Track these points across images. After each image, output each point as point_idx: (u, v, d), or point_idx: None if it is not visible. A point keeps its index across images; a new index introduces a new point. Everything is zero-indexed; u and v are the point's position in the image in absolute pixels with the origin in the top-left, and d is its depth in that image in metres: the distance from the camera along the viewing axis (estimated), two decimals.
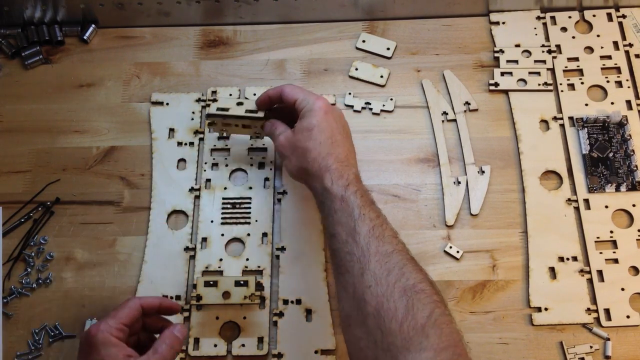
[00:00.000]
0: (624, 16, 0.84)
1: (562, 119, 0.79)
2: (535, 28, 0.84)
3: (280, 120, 0.69)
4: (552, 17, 0.84)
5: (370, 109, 0.81)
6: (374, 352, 0.52)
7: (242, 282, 0.67)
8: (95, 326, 0.56)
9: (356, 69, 0.83)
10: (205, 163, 0.78)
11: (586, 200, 0.74)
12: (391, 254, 0.56)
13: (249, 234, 0.74)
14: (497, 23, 0.84)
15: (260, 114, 0.71)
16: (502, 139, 0.78)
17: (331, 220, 0.60)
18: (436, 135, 0.79)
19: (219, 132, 0.76)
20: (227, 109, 0.71)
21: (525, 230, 0.73)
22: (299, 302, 0.71)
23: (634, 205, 0.74)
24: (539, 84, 0.80)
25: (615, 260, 0.71)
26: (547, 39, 0.83)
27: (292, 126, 0.67)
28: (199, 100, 0.81)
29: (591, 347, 0.68)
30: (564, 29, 0.84)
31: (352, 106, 0.81)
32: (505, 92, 0.81)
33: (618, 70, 0.81)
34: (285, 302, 0.71)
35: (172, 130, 0.80)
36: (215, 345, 0.69)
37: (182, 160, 0.78)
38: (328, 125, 0.64)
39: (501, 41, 0.83)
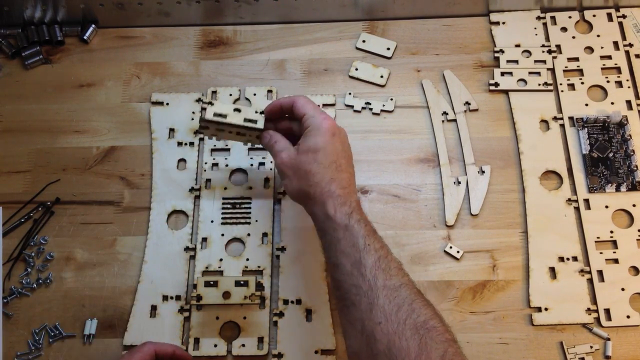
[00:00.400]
0: (624, 16, 0.84)
1: (562, 119, 0.79)
2: (535, 28, 0.84)
3: (279, 133, 0.67)
4: (552, 17, 0.84)
5: (370, 109, 0.81)
6: None
7: (242, 282, 0.67)
8: None
9: (356, 69, 0.83)
10: (206, 163, 0.78)
11: (586, 200, 0.74)
12: (399, 288, 0.54)
13: (249, 234, 0.74)
14: (497, 23, 0.84)
15: (260, 125, 0.67)
16: (502, 139, 0.78)
17: (334, 250, 0.58)
18: (436, 135, 0.79)
19: (210, 136, 0.72)
20: (224, 115, 0.67)
21: (526, 230, 0.73)
22: (299, 302, 0.71)
23: (634, 205, 0.74)
24: (539, 84, 0.80)
25: (616, 260, 0.71)
26: (547, 39, 0.83)
27: (291, 140, 0.65)
28: (199, 100, 0.81)
29: (591, 347, 0.68)
30: (564, 29, 0.84)
31: (352, 106, 0.81)
32: (506, 92, 0.81)
33: (618, 70, 0.81)
34: (285, 302, 0.71)
35: (172, 130, 0.80)
36: (216, 345, 0.69)
37: (182, 160, 0.78)
38: (333, 149, 0.62)
39: (501, 41, 0.83)
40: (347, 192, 0.60)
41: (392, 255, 0.57)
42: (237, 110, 0.68)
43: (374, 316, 0.53)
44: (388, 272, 0.55)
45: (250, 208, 0.75)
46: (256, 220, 0.75)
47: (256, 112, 0.68)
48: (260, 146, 0.77)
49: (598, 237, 0.73)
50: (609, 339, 0.68)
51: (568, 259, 0.72)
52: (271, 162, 0.77)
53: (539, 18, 0.84)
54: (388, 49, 0.84)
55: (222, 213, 0.75)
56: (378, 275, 0.54)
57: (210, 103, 0.69)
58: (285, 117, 0.68)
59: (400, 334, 0.51)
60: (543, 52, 0.82)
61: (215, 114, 0.67)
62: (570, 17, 0.84)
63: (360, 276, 0.55)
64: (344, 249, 0.57)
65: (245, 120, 0.67)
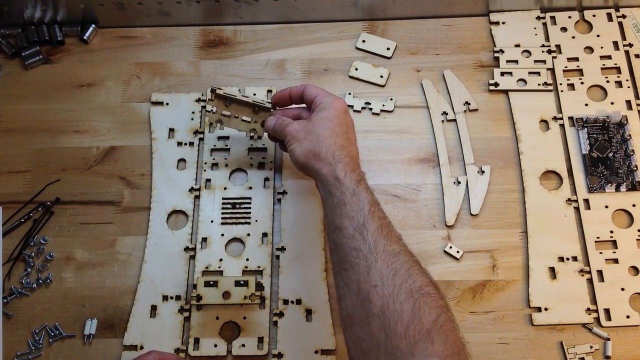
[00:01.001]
0: (624, 16, 0.84)
1: (562, 119, 0.79)
2: (535, 28, 0.84)
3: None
4: (552, 17, 0.84)
5: (370, 109, 0.81)
6: (377, 355, 0.51)
7: (242, 282, 0.67)
8: None
9: (356, 69, 0.83)
10: (205, 163, 0.78)
11: (586, 200, 0.74)
12: (398, 254, 0.55)
13: (249, 234, 0.74)
14: (497, 23, 0.84)
15: (268, 105, 0.71)
16: (502, 139, 0.78)
17: (339, 213, 0.58)
18: (436, 135, 0.79)
19: (214, 122, 0.73)
20: (233, 95, 0.71)
21: (525, 230, 0.73)
22: (299, 302, 0.71)
23: (634, 205, 0.74)
24: (539, 84, 0.80)
25: (615, 260, 0.71)
26: (547, 39, 0.83)
27: None
28: (199, 100, 0.81)
29: (591, 347, 0.68)
30: (564, 29, 0.84)
31: (352, 106, 0.81)
32: (505, 92, 0.81)
33: (618, 70, 0.81)
34: (285, 302, 0.71)
35: (172, 130, 0.80)
36: (216, 345, 0.69)
37: (182, 160, 0.78)
38: (345, 122, 0.65)
39: (501, 41, 0.83)
40: (356, 163, 0.63)
41: (393, 227, 0.58)
42: (245, 96, 0.72)
43: (370, 278, 0.53)
44: (389, 239, 0.56)
45: (250, 208, 0.75)
46: (256, 220, 0.75)
47: (263, 100, 0.72)
48: (263, 145, 0.78)
49: (598, 237, 0.73)
50: (608, 339, 0.68)
51: (568, 259, 0.72)
52: (271, 162, 0.77)
53: (538, 18, 0.84)
54: (388, 49, 0.84)
55: (222, 213, 0.75)
56: (379, 240, 0.55)
57: (220, 88, 0.72)
58: (291, 107, 0.71)
59: (395, 297, 0.52)
60: (543, 52, 0.82)
61: (225, 92, 0.71)
62: (570, 17, 0.84)
63: (362, 239, 0.56)
64: (349, 212, 0.57)
65: (254, 101, 0.71)
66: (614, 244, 0.72)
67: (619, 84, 0.80)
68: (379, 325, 0.51)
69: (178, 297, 0.71)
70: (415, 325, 0.50)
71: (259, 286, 0.69)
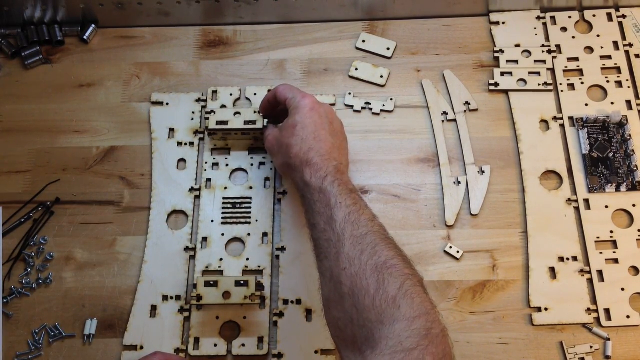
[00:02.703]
0: (624, 16, 0.84)
1: (562, 119, 0.79)
2: (535, 28, 0.84)
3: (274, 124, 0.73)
4: (552, 17, 0.84)
5: (370, 109, 0.81)
6: (352, 330, 0.54)
7: (242, 282, 0.67)
8: None
9: (356, 69, 0.83)
10: (206, 163, 0.78)
11: (586, 200, 0.74)
12: (365, 235, 0.57)
13: (249, 234, 0.74)
14: (497, 23, 0.84)
15: (259, 125, 0.74)
16: (502, 139, 0.78)
17: (311, 212, 0.62)
18: (436, 135, 0.79)
19: (219, 140, 0.78)
20: (226, 122, 0.74)
21: (526, 230, 0.73)
22: (299, 302, 0.71)
23: (634, 205, 0.74)
24: (539, 84, 0.80)
25: (616, 260, 0.71)
26: (547, 39, 0.83)
27: None
28: (199, 100, 0.81)
29: (591, 347, 0.68)
30: (564, 29, 0.84)
31: (352, 106, 0.81)
32: (505, 92, 0.81)
33: (618, 70, 0.81)
34: (285, 302, 0.71)
35: (172, 130, 0.80)
36: (216, 345, 0.69)
37: (182, 160, 0.78)
38: (312, 122, 0.66)
39: (501, 41, 0.83)
40: (325, 159, 0.64)
41: (367, 209, 0.60)
42: (238, 113, 0.75)
43: (340, 263, 0.56)
44: (357, 223, 0.58)
45: (250, 208, 0.75)
46: (256, 220, 0.75)
47: (254, 112, 0.75)
48: (261, 146, 0.78)
49: (598, 237, 0.73)
50: (609, 339, 0.68)
51: (568, 259, 0.72)
52: (271, 162, 0.77)
53: (539, 18, 0.84)
54: (388, 49, 0.84)
55: (222, 213, 0.75)
56: (346, 228, 0.58)
57: (213, 112, 0.76)
58: (282, 110, 0.71)
59: (361, 274, 0.54)
60: (543, 52, 0.82)
61: (217, 122, 0.75)
62: (570, 17, 0.84)
63: (331, 230, 0.58)
64: (318, 209, 0.61)
65: (245, 122, 0.74)
66: (614, 244, 0.72)
67: (619, 84, 0.80)
68: (351, 303, 0.54)
69: (178, 297, 0.71)
70: (380, 296, 0.53)
71: (259, 286, 0.69)
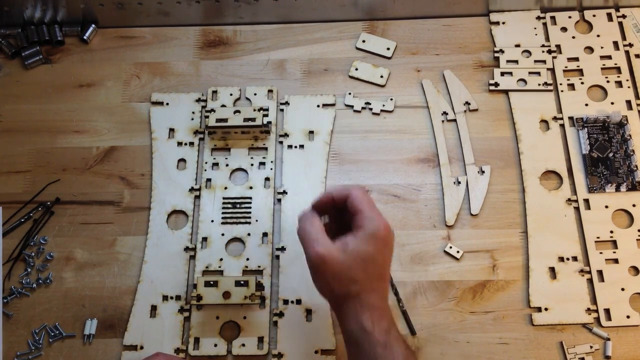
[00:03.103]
0: (624, 16, 0.84)
1: (562, 119, 0.79)
2: (535, 28, 0.84)
3: (318, 219, 0.60)
4: (552, 17, 0.84)
5: (370, 109, 0.81)
6: None
7: (242, 282, 0.67)
8: None
9: (356, 69, 0.83)
10: (206, 162, 0.78)
11: (586, 200, 0.74)
12: None
13: (249, 234, 0.74)
14: (497, 23, 0.84)
15: (258, 122, 0.74)
16: (502, 139, 0.78)
17: None
18: (436, 135, 0.79)
19: (219, 140, 0.77)
20: (225, 119, 0.74)
21: (526, 230, 0.73)
22: (299, 302, 0.71)
23: (634, 205, 0.74)
24: (539, 84, 0.80)
25: (616, 260, 0.71)
26: (547, 39, 0.83)
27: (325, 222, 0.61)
28: (199, 100, 0.81)
29: (591, 347, 0.68)
30: (564, 29, 0.84)
31: (352, 106, 0.81)
32: (505, 92, 0.81)
33: (618, 70, 0.81)
34: (285, 302, 0.71)
35: (172, 130, 0.80)
36: (216, 345, 0.69)
37: (182, 160, 0.78)
38: (383, 260, 0.58)
39: (501, 41, 0.83)
40: (385, 305, 0.58)
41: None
42: (238, 111, 0.75)
43: None
44: None
45: (250, 208, 0.75)
46: (256, 220, 0.75)
47: (254, 110, 0.75)
48: (261, 146, 0.78)
49: (598, 237, 0.73)
50: (609, 339, 0.68)
51: (568, 258, 0.72)
52: (272, 162, 0.77)
53: (539, 18, 0.84)
54: (388, 49, 0.84)
55: (222, 213, 0.75)
56: None
57: (212, 110, 0.76)
58: (338, 210, 0.61)
59: None
60: (543, 52, 0.82)
61: (217, 120, 0.75)
62: (570, 17, 0.84)
63: None
64: None
65: (245, 120, 0.74)
66: (614, 244, 0.72)
67: (619, 84, 0.80)
68: None
69: (178, 297, 0.71)
70: None
71: (259, 286, 0.69)
